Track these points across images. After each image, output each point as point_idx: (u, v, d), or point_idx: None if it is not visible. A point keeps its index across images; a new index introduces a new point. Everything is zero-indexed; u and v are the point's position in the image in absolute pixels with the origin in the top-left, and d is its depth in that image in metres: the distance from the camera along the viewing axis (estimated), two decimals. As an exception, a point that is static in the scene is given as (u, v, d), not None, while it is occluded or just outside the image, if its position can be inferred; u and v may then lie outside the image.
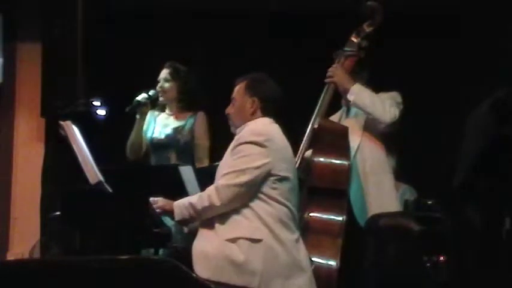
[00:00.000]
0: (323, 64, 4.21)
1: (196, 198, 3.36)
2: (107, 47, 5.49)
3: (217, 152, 3.99)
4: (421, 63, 5.30)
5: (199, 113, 4.54)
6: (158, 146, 4.52)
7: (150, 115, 4.59)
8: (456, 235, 3.25)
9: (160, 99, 4.55)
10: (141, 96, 4.49)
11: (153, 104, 4.58)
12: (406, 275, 3.64)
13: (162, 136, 4.52)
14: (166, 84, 4.54)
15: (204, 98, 4.63)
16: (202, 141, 4.52)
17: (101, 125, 4.83)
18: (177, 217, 3.37)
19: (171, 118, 4.57)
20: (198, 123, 4.52)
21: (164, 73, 4.56)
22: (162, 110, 4.62)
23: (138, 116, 4.53)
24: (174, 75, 4.53)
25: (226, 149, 3.47)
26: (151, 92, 4.51)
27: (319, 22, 5.37)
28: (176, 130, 4.51)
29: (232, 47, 5.56)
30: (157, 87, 4.54)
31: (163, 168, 4.30)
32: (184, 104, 4.56)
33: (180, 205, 3.37)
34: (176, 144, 4.48)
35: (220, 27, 5.55)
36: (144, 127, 4.56)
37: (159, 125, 4.56)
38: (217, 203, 3.28)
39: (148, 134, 4.55)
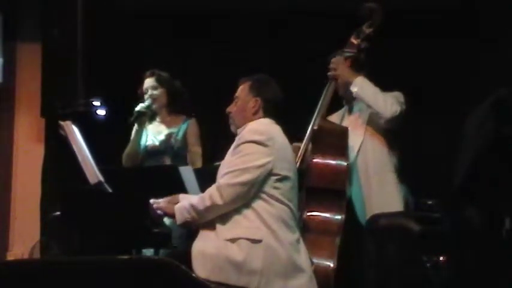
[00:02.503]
0: (323, 64, 4.21)
1: (197, 199, 3.35)
2: (106, 47, 5.49)
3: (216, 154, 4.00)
4: (421, 63, 5.30)
5: (191, 120, 4.57)
6: (153, 152, 4.54)
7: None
8: (456, 235, 3.24)
9: (153, 106, 4.56)
10: (140, 106, 4.50)
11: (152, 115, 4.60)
12: (406, 275, 3.64)
13: (156, 143, 4.55)
14: (156, 92, 4.56)
15: (189, 100, 4.64)
16: (195, 148, 4.55)
17: (101, 125, 4.83)
18: (179, 221, 3.35)
19: (163, 125, 4.60)
20: (190, 130, 4.55)
21: (150, 82, 4.58)
22: (153, 119, 4.63)
23: (136, 127, 4.53)
24: (160, 81, 4.56)
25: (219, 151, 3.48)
26: (147, 102, 4.52)
27: (319, 22, 5.38)
28: (169, 136, 4.54)
29: (232, 47, 5.56)
30: (147, 96, 4.55)
31: (163, 168, 4.30)
32: (175, 107, 4.58)
33: (181, 208, 3.36)
34: (170, 150, 4.50)
35: (220, 27, 5.55)
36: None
37: (152, 133, 4.58)
38: (219, 202, 3.28)
39: (142, 143, 4.56)
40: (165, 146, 4.52)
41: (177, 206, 3.37)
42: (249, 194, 3.30)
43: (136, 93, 4.61)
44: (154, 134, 4.57)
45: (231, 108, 3.58)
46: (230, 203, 3.28)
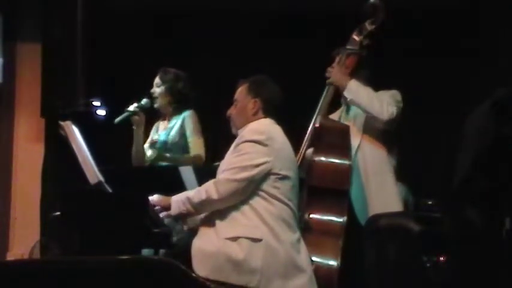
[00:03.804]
0: (323, 64, 4.21)
1: (193, 193, 3.38)
2: (107, 47, 5.49)
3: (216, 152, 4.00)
4: (421, 62, 5.30)
5: (188, 112, 4.51)
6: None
7: (156, 124, 4.61)
8: (456, 235, 3.24)
9: (155, 105, 4.55)
10: (132, 106, 4.48)
11: (148, 112, 4.56)
12: (406, 275, 3.64)
13: (156, 140, 4.53)
14: (158, 90, 4.54)
15: (194, 97, 4.60)
16: (193, 138, 4.46)
17: (101, 125, 4.83)
18: (174, 212, 3.38)
19: (167, 123, 4.57)
20: (186, 122, 4.49)
21: (156, 79, 4.57)
22: (165, 118, 4.62)
23: (134, 127, 4.51)
24: (163, 79, 4.54)
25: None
26: (143, 101, 4.49)
27: (319, 22, 5.38)
28: (164, 134, 4.50)
29: (232, 47, 5.56)
30: (151, 93, 4.55)
31: (164, 168, 4.30)
32: (176, 105, 4.54)
33: (177, 200, 3.39)
34: (163, 147, 4.46)
35: (220, 27, 5.55)
36: (150, 137, 4.57)
37: (159, 130, 4.57)
38: (215, 196, 3.29)
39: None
40: (159, 144, 4.49)
41: (173, 198, 3.40)
42: (245, 191, 3.30)
43: (136, 93, 4.61)
44: (159, 131, 4.57)
45: (231, 111, 3.59)
46: (226, 198, 3.29)
